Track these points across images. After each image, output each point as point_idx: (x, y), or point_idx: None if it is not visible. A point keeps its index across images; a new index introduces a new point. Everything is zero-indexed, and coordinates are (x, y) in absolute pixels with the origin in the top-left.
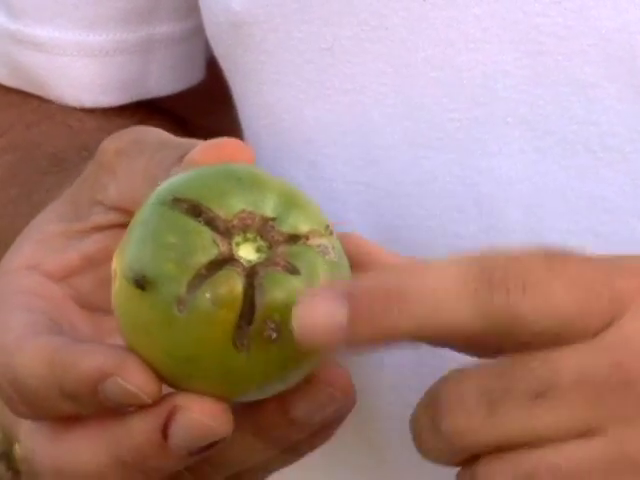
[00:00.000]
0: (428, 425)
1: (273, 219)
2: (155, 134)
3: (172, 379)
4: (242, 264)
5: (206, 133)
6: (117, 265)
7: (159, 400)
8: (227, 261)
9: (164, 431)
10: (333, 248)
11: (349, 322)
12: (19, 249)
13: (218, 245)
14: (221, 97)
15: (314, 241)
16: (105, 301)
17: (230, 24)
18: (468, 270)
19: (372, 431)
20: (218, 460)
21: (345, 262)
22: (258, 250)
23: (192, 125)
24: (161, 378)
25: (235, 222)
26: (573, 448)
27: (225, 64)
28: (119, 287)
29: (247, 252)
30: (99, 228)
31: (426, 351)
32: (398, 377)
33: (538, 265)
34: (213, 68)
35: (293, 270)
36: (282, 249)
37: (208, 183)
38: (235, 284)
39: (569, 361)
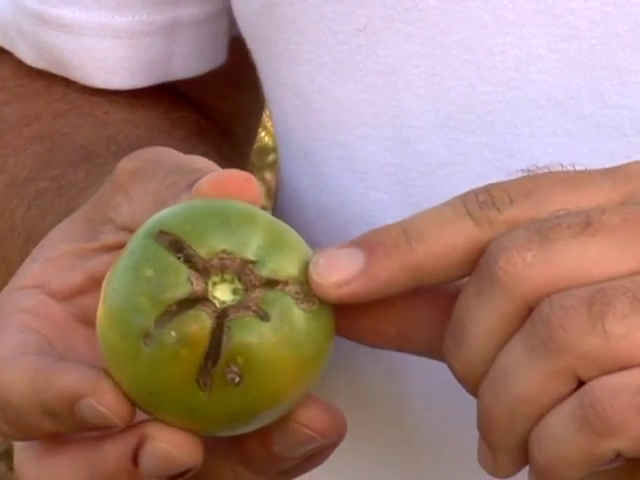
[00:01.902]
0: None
1: (253, 262)
2: (170, 156)
3: (142, 407)
4: (214, 305)
5: (222, 117)
6: (102, 291)
7: (131, 427)
8: (199, 300)
9: (134, 458)
10: (313, 296)
11: (366, 262)
12: (29, 267)
13: (192, 283)
14: (236, 81)
15: (292, 288)
16: None
17: (262, 5)
18: (456, 199)
19: (398, 411)
20: None
21: (325, 310)
22: (234, 292)
23: (209, 110)
24: (134, 404)
25: (214, 262)
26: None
27: (254, 45)
28: (100, 313)
29: (223, 293)
30: (108, 248)
31: None
32: (427, 360)
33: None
34: (230, 52)
35: (263, 316)
36: (257, 294)
37: (195, 219)
38: (202, 325)
39: (611, 205)
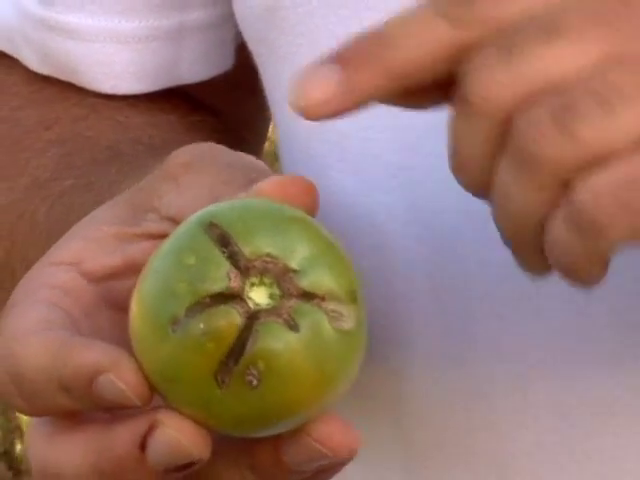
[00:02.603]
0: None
1: (295, 271)
2: (226, 152)
3: (159, 392)
4: (248, 305)
5: (234, 123)
6: (143, 269)
7: (143, 412)
8: (234, 298)
9: (142, 444)
10: (349, 316)
11: (345, 75)
12: (66, 243)
13: (230, 280)
14: (246, 86)
15: (329, 305)
16: None
17: (264, 9)
18: (427, 1)
19: (400, 413)
20: None
21: (359, 333)
22: (270, 297)
23: (221, 116)
24: (152, 388)
25: (257, 263)
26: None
27: (257, 49)
28: (135, 291)
29: (259, 296)
30: (150, 235)
31: (454, 333)
32: (426, 360)
33: None
34: (238, 57)
35: (293, 326)
36: (292, 303)
37: (247, 218)
38: (231, 322)
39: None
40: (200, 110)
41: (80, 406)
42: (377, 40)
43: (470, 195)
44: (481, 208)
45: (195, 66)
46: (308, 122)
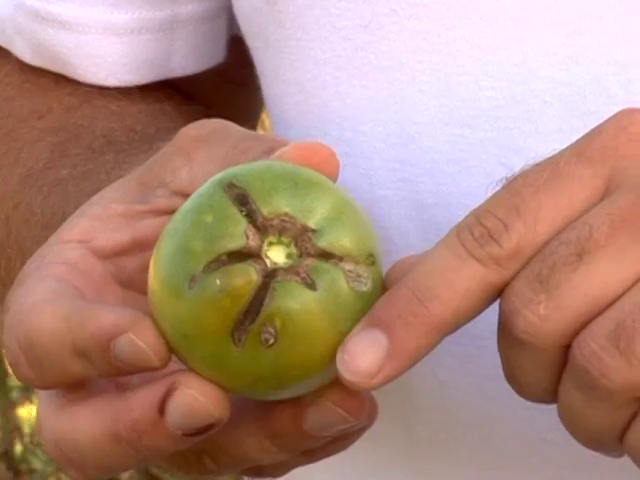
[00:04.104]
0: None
1: (313, 230)
2: (238, 127)
3: (177, 353)
4: (265, 263)
5: (223, 115)
6: (164, 228)
7: (161, 376)
8: (251, 256)
9: (161, 408)
10: (367, 278)
11: (390, 342)
12: (76, 221)
13: (248, 238)
14: (236, 80)
15: (346, 265)
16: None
17: (263, 1)
18: (453, 240)
19: (404, 409)
20: (235, 453)
21: (375, 297)
22: (288, 256)
23: (211, 110)
24: (170, 349)
25: (275, 222)
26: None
27: (254, 42)
28: (155, 249)
29: (276, 254)
30: (159, 212)
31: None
32: (431, 356)
33: (505, 199)
34: (229, 51)
35: (311, 284)
36: (309, 262)
37: (266, 178)
38: (248, 279)
39: (596, 214)
40: (194, 99)
41: (94, 372)
42: (413, 296)
43: (471, 189)
44: (478, 204)
45: (187, 59)
46: (308, 116)
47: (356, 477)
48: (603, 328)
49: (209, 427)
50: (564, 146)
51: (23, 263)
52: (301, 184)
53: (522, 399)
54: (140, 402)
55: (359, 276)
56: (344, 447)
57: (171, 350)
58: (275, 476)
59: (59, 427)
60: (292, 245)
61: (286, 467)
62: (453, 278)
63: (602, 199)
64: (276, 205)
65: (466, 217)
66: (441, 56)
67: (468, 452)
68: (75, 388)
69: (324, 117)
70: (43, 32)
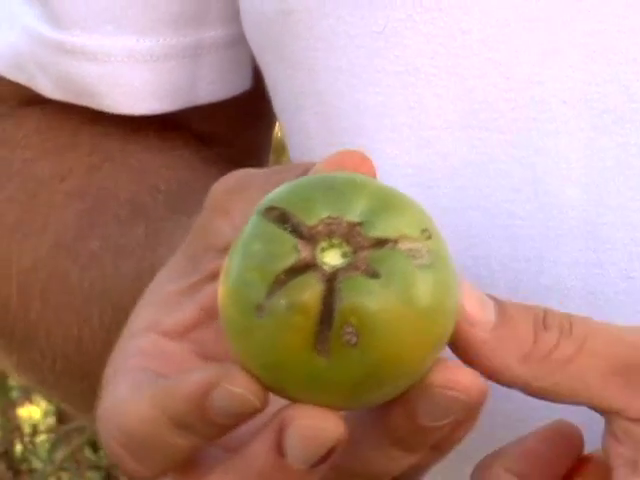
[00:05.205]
0: None
1: (359, 224)
2: (260, 169)
3: (271, 388)
4: (323, 270)
5: (237, 154)
6: (220, 275)
7: (268, 420)
8: (308, 267)
9: (279, 449)
10: (428, 252)
11: None
12: (139, 312)
13: (299, 251)
14: (251, 113)
15: (404, 245)
16: (229, 349)
17: (278, 12)
18: None
19: None
20: (366, 472)
21: (444, 266)
22: (344, 255)
23: (226, 147)
24: (265, 387)
25: (320, 228)
26: None
27: (267, 56)
28: (219, 297)
29: (332, 258)
30: (215, 275)
31: None
32: None
33: None
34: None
35: (373, 274)
36: (365, 253)
37: (299, 190)
38: (311, 289)
39: None
40: (210, 144)
41: (198, 439)
42: None
43: (490, 192)
44: (497, 206)
45: (213, 85)
46: (327, 127)
47: None
48: None
49: (332, 450)
50: (585, 145)
51: (65, 334)
52: (336, 186)
53: (524, 398)
54: (258, 451)
55: (418, 252)
56: (467, 431)
57: (265, 387)
58: None
59: None
60: (344, 244)
61: (419, 470)
62: None
63: None
64: (317, 212)
65: None
66: (457, 60)
67: (472, 450)
68: (188, 470)
69: (342, 126)
70: (67, 64)
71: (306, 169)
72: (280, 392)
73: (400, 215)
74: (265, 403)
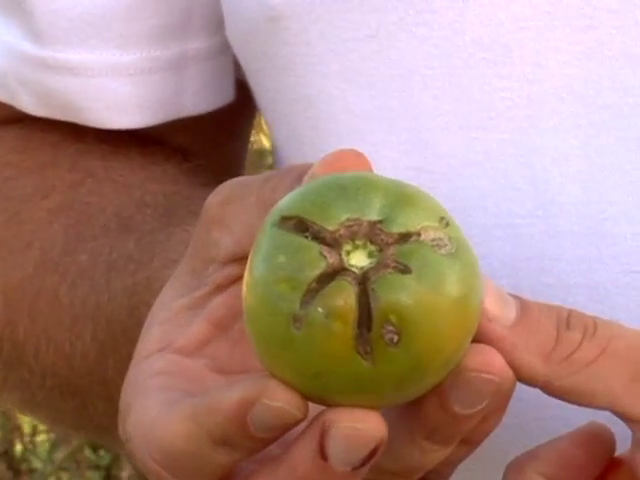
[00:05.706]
0: None
1: (380, 221)
2: (253, 176)
3: (311, 396)
4: (353, 272)
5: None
6: (242, 292)
7: (308, 425)
8: (337, 272)
9: (322, 452)
10: (450, 239)
11: None
12: (147, 334)
13: (326, 257)
14: (228, 129)
15: (427, 236)
16: (243, 361)
17: (265, 19)
18: None
19: None
20: (400, 469)
21: (466, 251)
22: (370, 255)
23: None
24: (304, 397)
25: (342, 231)
26: None
27: (255, 65)
28: (245, 313)
29: (359, 259)
30: (220, 287)
31: None
32: None
33: None
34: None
35: (404, 269)
36: (392, 250)
37: (311, 197)
38: (346, 294)
39: None
40: (190, 157)
41: (239, 455)
42: None
43: (490, 191)
44: (497, 206)
45: (198, 96)
46: (318, 132)
47: None
48: None
49: (375, 450)
50: (583, 142)
51: (55, 351)
52: (348, 186)
53: (535, 398)
54: (300, 457)
55: (442, 240)
56: (498, 421)
57: (304, 396)
58: None
59: None
60: (368, 244)
61: (450, 466)
62: None
63: None
64: (335, 216)
65: None
66: (452, 60)
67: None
68: None
69: (334, 130)
70: (51, 80)
71: (300, 173)
72: (319, 399)
73: (417, 206)
74: (306, 412)
